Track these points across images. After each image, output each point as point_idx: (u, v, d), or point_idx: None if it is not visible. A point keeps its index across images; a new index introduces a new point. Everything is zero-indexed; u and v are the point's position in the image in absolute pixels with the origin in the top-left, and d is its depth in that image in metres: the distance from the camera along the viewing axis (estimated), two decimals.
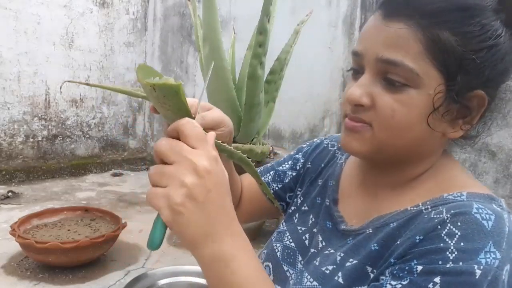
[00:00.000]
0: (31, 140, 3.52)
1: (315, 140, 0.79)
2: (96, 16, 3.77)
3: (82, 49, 3.71)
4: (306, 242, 0.65)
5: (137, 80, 0.42)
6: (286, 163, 0.79)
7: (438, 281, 0.43)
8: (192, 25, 3.24)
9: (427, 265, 0.44)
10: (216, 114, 0.53)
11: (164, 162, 0.44)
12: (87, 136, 3.90)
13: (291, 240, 0.67)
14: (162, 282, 0.96)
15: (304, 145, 0.79)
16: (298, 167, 0.77)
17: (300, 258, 0.64)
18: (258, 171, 0.80)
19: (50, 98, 3.57)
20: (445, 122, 0.51)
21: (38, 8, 3.38)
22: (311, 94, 2.83)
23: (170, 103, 0.44)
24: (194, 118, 0.47)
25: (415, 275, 0.44)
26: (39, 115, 3.54)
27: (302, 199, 0.72)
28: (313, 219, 0.67)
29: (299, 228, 0.68)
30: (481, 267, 0.42)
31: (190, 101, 0.51)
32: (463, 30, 0.47)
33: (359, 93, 0.51)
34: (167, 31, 4.02)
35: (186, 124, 0.44)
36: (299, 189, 0.75)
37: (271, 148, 2.08)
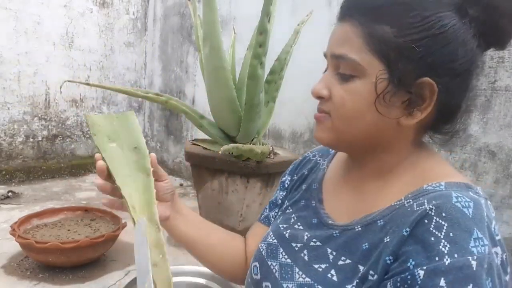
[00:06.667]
0: (31, 140, 3.52)
1: (298, 159, 0.84)
2: (96, 16, 3.77)
3: (82, 49, 3.71)
4: (286, 235, 0.67)
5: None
6: (277, 191, 0.82)
7: (444, 284, 0.43)
8: (192, 25, 3.24)
9: (427, 265, 0.45)
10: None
11: None
12: (87, 136, 3.90)
13: (273, 238, 0.69)
14: None
15: (289, 167, 0.83)
16: (286, 185, 0.80)
17: (281, 250, 0.65)
18: (259, 215, 0.84)
19: (50, 98, 3.57)
20: (396, 109, 0.54)
21: (38, 8, 3.38)
22: (311, 94, 2.83)
23: None
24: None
25: (419, 282, 0.45)
26: (39, 115, 3.54)
27: (287, 203, 0.75)
28: (295, 218, 0.69)
29: (280, 226, 0.70)
30: (475, 257, 0.44)
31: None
32: (401, 21, 0.51)
33: (320, 86, 0.59)
34: (167, 31, 4.02)
35: None
36: (286, 200, 0.77)
37: (271, 148, 2.08)
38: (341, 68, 0.55)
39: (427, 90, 0.52)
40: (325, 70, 0.61)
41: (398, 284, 0.46)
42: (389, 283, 0.48)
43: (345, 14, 0.56)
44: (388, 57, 0.51)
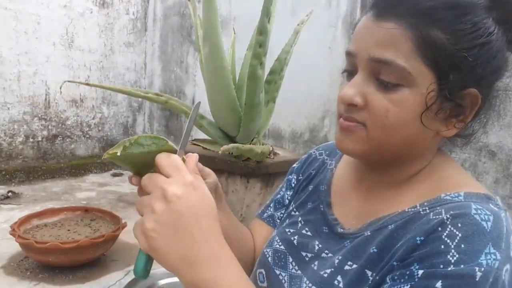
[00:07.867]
0: (31, 140, 3.52)
1: (303, 156, 0.80)
2: (96, 16, 3.77)
3: (82, 49, 3.70)
4: (295, 241, 0.65)
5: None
6: (282, 188, 0.79)
7: (440, 286, 0.42)
8: (192, 25, 3.24)
9: (428, 269, 0.44)
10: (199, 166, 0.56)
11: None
12: (87, 136, 3.90)
13: (280, 244, 0.66)
14: (162, 282, 0.96)
15: (294, 165, 0.80)
16: (293, 185, 0.77)
17: (290, 260, 0.63)
18: (260, 211, 0.81)
19: (50, 98, 3.57)
20: (438, 121, 0.51)
21: (38, 8, 3.38)
22: (311, 94, 2.83)
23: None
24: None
25: (416, 280, 0.44)
26: (39, 115, 3.53)
27: (293, 205, 0.73)
28: (302, 222, 0.67)
29: (287, 230, 0.68)
30: (482, 269, 0.42)
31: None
32: (454, 28, 0.47)
33: (352, 92, 0.51)
34: (167, 31, 4.02)
35: (160, 156, 0.46)
36: (293, 201, 0.75)
37: (271, 148, 2.08)
38: (383, 74, 0.49)
39: (468, 100, 0.50)
40: (345, 71, 0.56)
41: (396, 277, 0.46)
42: (388, 276, 0.47)
43: (389, 11, 0.49)
44: (440, 67, 0.48)
